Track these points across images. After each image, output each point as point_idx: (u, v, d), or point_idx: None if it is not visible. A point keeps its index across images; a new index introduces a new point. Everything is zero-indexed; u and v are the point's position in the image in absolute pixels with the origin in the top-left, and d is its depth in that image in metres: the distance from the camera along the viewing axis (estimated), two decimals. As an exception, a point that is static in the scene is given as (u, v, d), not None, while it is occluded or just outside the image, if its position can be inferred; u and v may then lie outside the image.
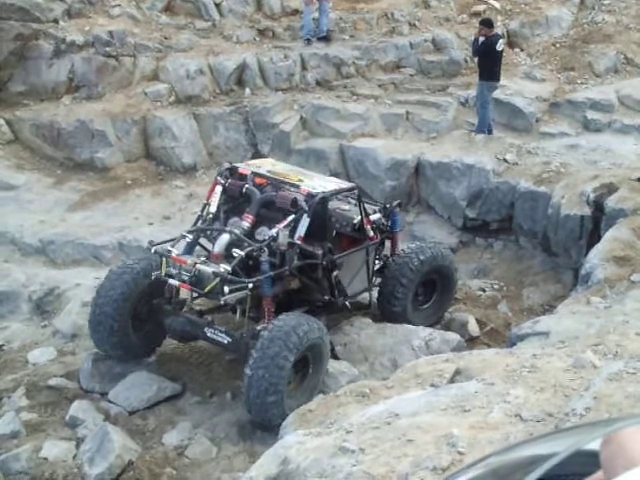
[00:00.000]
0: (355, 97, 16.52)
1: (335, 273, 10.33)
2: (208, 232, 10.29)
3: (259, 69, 16.55)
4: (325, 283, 10.38)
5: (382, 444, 4.96)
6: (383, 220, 11.30)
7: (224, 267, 9.29)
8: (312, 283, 10.29)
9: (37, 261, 12.85)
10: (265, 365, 8.78)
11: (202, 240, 10.36)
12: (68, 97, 15.79)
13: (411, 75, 17.23)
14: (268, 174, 10.52)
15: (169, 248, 9.81)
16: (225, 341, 9.61)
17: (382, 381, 7.75)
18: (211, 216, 10.28)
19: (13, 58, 15.85)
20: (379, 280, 11.33)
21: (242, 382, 9.08)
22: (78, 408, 9.62)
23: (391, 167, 14.75)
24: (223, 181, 10.45)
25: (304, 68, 16.90)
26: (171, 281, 9.64)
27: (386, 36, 17.62)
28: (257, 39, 17.36)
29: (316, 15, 17.38)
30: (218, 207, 10.32)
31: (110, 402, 9.84)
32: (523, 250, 13.84)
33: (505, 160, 14.16)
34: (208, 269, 9.33)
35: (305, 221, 9.79)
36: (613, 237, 10.77)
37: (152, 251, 9.91)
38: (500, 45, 14.74)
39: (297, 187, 10.15)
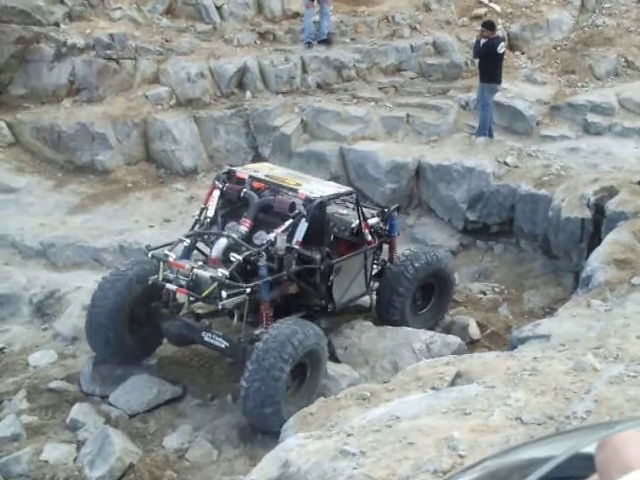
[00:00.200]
0: (356, 100, 16.53)
1: (333, 279, 10.29)
2: (206, 236, 10.25)
3: (260, 72, 16.57)
4: (323, 288, 10.33)
5: (383, 447, 4.96)
6: (381, 224, 11.27)
7: (222, 272, 9.24)
8: (310, 288, 10.25)
9: (38, 264, 12.84)
10: (261, 377, 8.73)
11: (199, 244, 10.32)
12: (69, 100, 15.80)
13: (412, 78, 17.23)
14: (266, 178, 10.48)
15: (166, 252, 9.75)
16: (222, 345, 9.56)
17: (383, 384, 7.74)
18: (209, 220, 10.24)
19: (14, 61, 15.86)
20: (377, 284, 11.30)
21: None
22: (79, 411, 9.61)
23: (391, 170, 14.76)
24: (221, 185, 10.41)
25: (305, 71, 16.91)
26: (168, 286, 9.57)
27: (387, 39, 17.64)
28: (258, 42, 17.37)
29: (317, 18, 17.40)
30: (216, 211, 10.29)
31: (111, 405, 9.83)
32: (524, 253, 13.85)
33: (506, 163, 14.17)
34: (206, 274, 9.29)
35: (303, 226, 9.75)
36: (614, 240, 10.77)
37: (149, 255, 9.85)
38: (501, 47, 14.75)
39: (295, 191, 10.11)
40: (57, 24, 16.20)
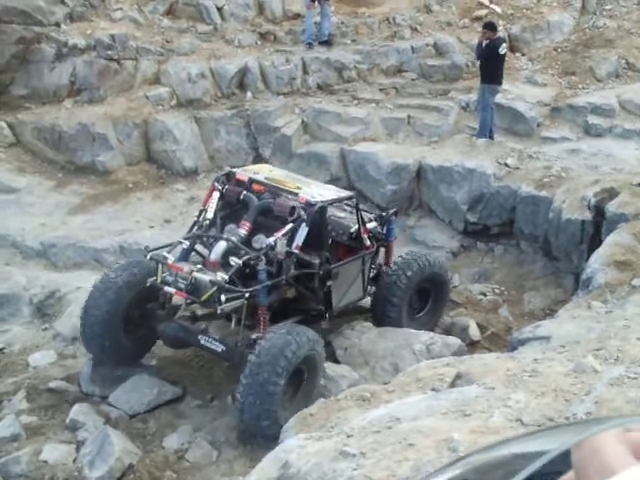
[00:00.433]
0: (356, 101, 16.53)
1: (331, 284, 10.24)
2: (204, 238, 10.19)
3: (260, 73, 16.57)
4: (321, 292, 10.27)
5: (383, 448, 4.96)
6: (379, 229, 11.25)
7: (221, 275, 9.18)
8: (308, 292, 10.20)
9: (38, 264, 12.84)
10: (255, 392, 8.67)
11: (197, 246, 10.26)
12: (70, 100, 15.80)
13: (412, 79, 17.24)
14: (266, 181, 10.42)
15: (165, 255, 9.70)
16: (219, 349, 9.49)
17: (383, 385, 7.74)
18: (208, 222, 10.17)
19: (15, 61, 15.87)
20: (373, 288, 11.27)
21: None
22: (78, 411, 9.61)
23: (392, 171, 14.75)
24: (220, 187, 10.34)
25: (305, 72, 16.92)
26: (167, 288, 9.52)
27: (388, 40, 17.64)
28: (259, 43, 17.38)
29: (318, 19, 17.40)
30: (215, 213, 10.22)
31: (110, 405, 9.83)
32: (524, 254, 13.84)
33: (506, 164, 14.16)
34: (205, 277, 9.22)
35: (303, 230, 9.69)
36: (614, 242, 10.77)
37: (148, 257, 9.78)
38: (503, 48, 14.77)
39: (295, 195, 10.05)
40: (58, 24, 16.21)
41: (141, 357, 10.52)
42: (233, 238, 9.71)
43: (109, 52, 15.93)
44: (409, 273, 11.00)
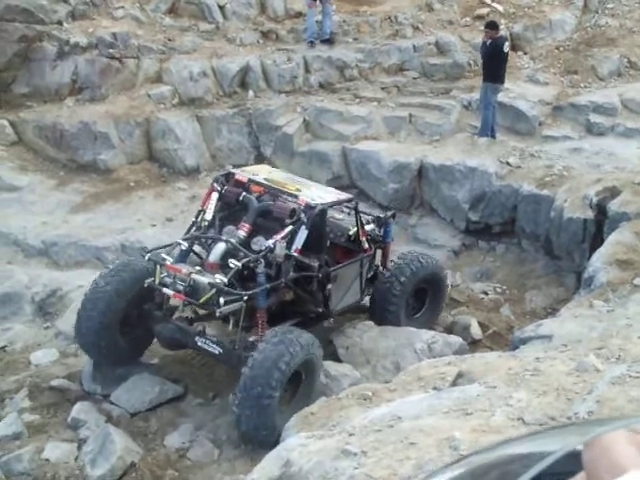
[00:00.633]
0: (358, 100, 16.52)
1: (329, 287, 10.19)
2: (203, 240, 10.13)
3: (262, 71, 16.56)
4: (319, 295, 10.22)
5: (384, 447, 4.96)
6: (377, 231, 11.21)
7: (220, 278, 9.12)
8: (306, 295, 10.14)
9: (40, 262, 12.85)
10: (250, 405, 8.62)
11: (195, 247, 10.19)
12: (71, 99, 15.80)
13: (414, 78, 17.22)
14: (265, 182, 10.34)
15: (164, 256, 9.63)
16: (216, 352, 9.43)
17: (384, 384, 7.74)
18: (206, 223, 10.08)
19: (17, 60, 15.86)
20: (370, 290, 11.21)
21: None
22: (80, 410, 9.62)
23: (394, 170, 14.75)
24: (219, 188, 10.26)
25: (307, 71, 16.91)
26: (165, 290, 9.45)
27: (389, 39, 17.63)
28: (260, 41, 17.37)
29: (319, 18, 17.38)
30: (214, 214, 10.14)
31: (112, 404, 9.84)
32: (526, 253, 13.83)
33: (508, 163, 14.16)
34: (204, 279, 9.17)
35: (303, 233, 9.63)
36: (616, 241, 10.77)
37: (146, 258, 9.72)
38: (506, 47, 14.79)
39: (295, 197, 9.99)
40: (60, 23, 16.20)
41: (137, 357, 10.48)
42: (232, 240, 9.64)
43: (111, 50, 15.92)
44: (402, 279, 10.93)
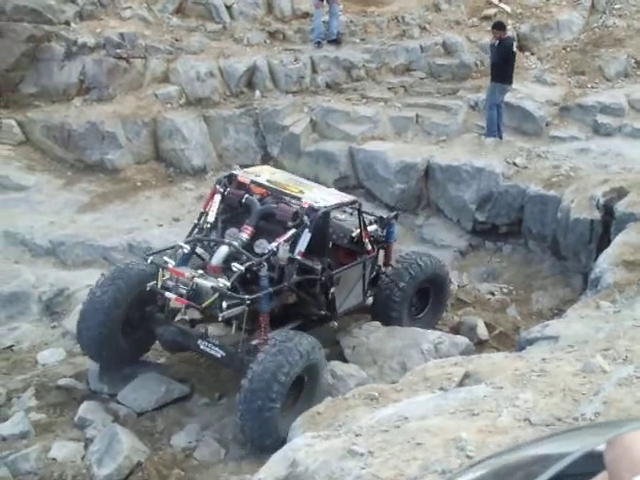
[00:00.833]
0: (365, 100, 16.53)
1: (333, 290, 10.10)
2: (205, 242, 10.03)
3: (269, 71, 16.58)
4: (322, 298, 10.12)
5: (391, 447, 4.96)
6: (379, 231, 11.15)
7: (223, 282, 9.03)
8: (309, 298, 10.04)
9: (47, 262, 12.88)
10: (252, 418, 8.59)
11: (198, 249, 10.09)
12: (79, 99, 15.84)
13: (421, 78, 17.23)
14: (268, 184, 10.23)
15: (166, 259, 9.55)
16: (219, 355, 9.36)
17: (391, 384, 7.74)
18: (209, 226, 9.98)
19: (25, 60, 15.91)
20: (373, 291, 11.15)
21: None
22: (87, 409, 9.63)
23: (401, 170, 14.75)
24: (222, 189, 10.16)
25: (314, 71, 16.92)
26: (168, 294, 9.36)
27: (396, 39, 17.63)
28: (267, 42, 17.39)
29: (326, 18, 17.40)
30: (216, 216, 10.02)
31: (119, 403, 9.84)
32: (532, 254, 13.82)
33: (515, 164, 14.14)
34: (207, 283, 9.08)
35: (306, 236, 9.51)
36: (623, 241, 10.75)
37: (148, 261, 9.65)
38: (514, 47, 14.81)
39: (298, 199, 9.88)
40: (68, 23, 16.25)
41: (139, 357, 10.45)
42: (235, 243, 9.54)
43: (118, 51, 15.96)
44: (401, 285, 10.85)
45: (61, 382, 10.16)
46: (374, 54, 17.22)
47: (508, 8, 18.33)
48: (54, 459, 8.88)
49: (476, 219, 14.26)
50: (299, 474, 5.10)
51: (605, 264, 10.32)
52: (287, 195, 10.03)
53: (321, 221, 9.75)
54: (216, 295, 8.99)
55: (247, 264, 9.26)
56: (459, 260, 14.00)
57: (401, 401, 6.34)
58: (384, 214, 11.89)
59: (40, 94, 15.91)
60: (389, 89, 16.95)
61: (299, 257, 9.51)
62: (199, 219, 10.21)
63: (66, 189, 14.68)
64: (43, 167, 15.10)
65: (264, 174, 10.73)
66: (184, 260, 9.71)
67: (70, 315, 11.56)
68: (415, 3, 18.50)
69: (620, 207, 11.73)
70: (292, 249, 9.49)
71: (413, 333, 10.65)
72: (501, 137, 15.11)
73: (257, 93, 16.38)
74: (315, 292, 10.02)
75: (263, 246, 9.60)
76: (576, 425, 4.69)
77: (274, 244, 9.44)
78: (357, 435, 5.35)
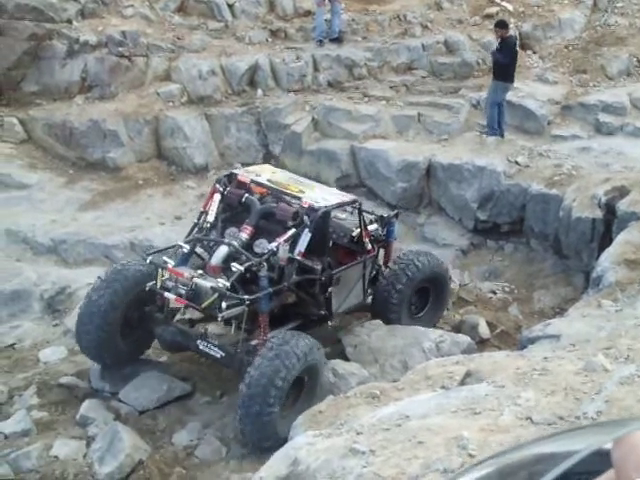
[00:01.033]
0: (367, 98, 16.53)
1: (332, 289, 10.07)
2: (205, 242, 10.00)
3: (271, 70, 16.58)
4: (321, 298, 10.08)
5: (392, 446, 4.96)
6: (380, 231, 11.11)
7: (222, 282, 9.00)
8: (308, 297, 10.00)
9: (49, 260, 12.88)
10: (251, 422, 8.58)
11: (197, 248, 10.06)
12: (81, 97, 15.84)
13: (423, 77, 17.23)
14: (268, 184, 10.19)
15: (165, 259, 9.51)
16: (218, 355, 9.34)
17: (392, 383, 7.73)
18: (208, 225, 9.94)
19: (27, 58, 15.91)
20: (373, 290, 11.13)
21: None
22: (88, 407, 9.64)
23: (402, 169, 14.75)
24: (221, 189, 10.13)
25: (316, 69, 16.92)
26: (167, 294, 9.33)
27: (398, 38, 17.63)
28: (269, 40, 17.39)
29: (328, 16, 17.41)
30: (216, 216, 9.98)
31: (120, 401, 9.85)
32: (534, 253, 13.82)
33: (516, 162, 14.14)
34: (206, 284, 9.04)
35: (306, 236, 9.47)
36: (625, 240, 10.75)
37: (147, 261, 9.61)
38: (516, 45, 14.81)
39: (298, 199, 9.84)
40: (70, 21, 16.25)
41: (139, 356, 10.45)
42: (234, 242, 9.50)
43: (120, 49, 15.96)
44: (399, 287, 10.80)
45: (63, 380, 10.18)
46: (376, 53, 17.21)
47: (510, 6, 18.32)
48: (56, 457, 8.89)
49: (478, 218, 14.26)
50: (300, 472, 5.10)
51: (607, 263, 10.32)
52: (287, 195, 9.99)
53: (321, 221, 9.71)
54: (215, 295, 8.95)
55: (247, 264, 9.22)
56: (461, 259, 14.00)
57: (402, 400, 6.34)
58: (385, 213, 11.86)
59: (42, 92, 15.92)
60: (391, 88, 16.95)
61: (299, 257, 9.48)
62: (199, 218, 10.18)
63: (68, 187, 14.68)
64: (45, 165, 15.10)
65: (264, 173, 10.68)
66: (183, 260, 9.67)
67: (72, 313, 11.56)
68: (417, 1, 18.50)
69: (622, 206, 11.73)
70: (292, 249, 9.45)
71: (414, 332, 10.65)
72: (503, 136, 15.11)
73: (259, 92, 16.39)
74: (315, 292, 9.98)
75: (263, 246, 9.56)
76: (579, 424, 4.69)
77: (274, 244, 9.41)
78: (358, 433, 5.35)
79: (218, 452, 9.18)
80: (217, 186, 10.20)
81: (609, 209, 11.98)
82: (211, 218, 9.99)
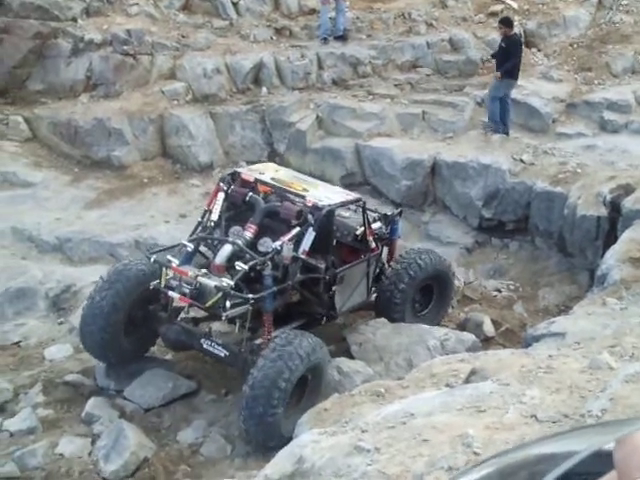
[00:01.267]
0: (371, 96, 16.52)
1: (336, 288, 10.06)
2: (209, 240, 9.99)
3: (276, 68, 16.58)
4: (326, 296, 10.07)
5: (397, 444, 4.96)
6: (384, 229, 11.09)
7: (226, 281, 8.99)
8: (312, 296, 9.99)
9: (54, 258, 12.90)
10: (255, 423, 8.59)
11: (201, 247, 10.05)
12: (86, 95, 15.86)
13: (427, 75, 17.21)
14: (272, 182, 10.16)
15: (169, 258, 9.49)
16: (222, 354, 9.33)
17: (397, 381, 7.75)
18: (212, 224, 9.92)
19: (32, 56, 15.94)
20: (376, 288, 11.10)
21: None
22: (94, 405, 9.66)
23: (407, 167, 14.74)
24: (225, 187, 10.11)
25: (321, 67, 16.92)
26: (171, 293, 9.33)
27: (403, 35, 17.61)
28: (274, 38, 17.38)
29: (333, 14, 17.40)
30: (220, 215, 9.96)
31: (126, 399, 9.87)
32: (539, 251, 13.81)
33: (521, 160, 14.13)
34: (210, 283, 9.03)
35: (311, 235, 9.46)
36: (629, 238, 10.74)
37: (151, 260, 9.60)
38: (521, 44, 14.82)
39: (303, 198, 9.81)
40: (75, 20, 16.28)
41: (142, 355, 10.45)
42: (239, 241, 9.49)
43: (125, 47, 15.98)
44: (401, 286, 10.78)
45: (68, 378, 10.20)
46: (380, 50, 17.20)
47: (515, 4, 18.30)
48: (61, 455, 8.91)
49: (482, 216, 14.25)
50: (305, 470, 5.11)
51: (612, 261, 10.31)
52: (291, 193, 9.97)
53: (325, 220, 9.70)
54: (220, 294, 8.94)
55: (251, 263, 9.21)
56: (465, 257, 14.00)
57: (407, 397, 6.34)
58: (390, 211, 11.86)
59: (47, 91, 15.94)
60: (395, 85, 16.94)
61: (303, 256, 9.47)
62: (203, 217, 10.17)
63: (73, 185, 14.70)
64: (50, 164, 15.12)
65: (268, 172, 10.65)
66: (187, 259, 9.64)
67: (77, 311, 11.56)
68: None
69: (627, 204, 11.72)
70: (296, 248, 9.44)
71: (419, 330, 10.65)
72: (507, 133, 15.09)
73: (263, 90, 16.38)
74: (319, 291, 9.97)
75: (267, 245, 9.55)
76: (582, 424, 4.69)
77: (278, 243, 9.39)
78: (363, 431, 5.36)
79: (223, 450, 9.20)
80: (221, 185, 10.19)
81: (614, 207, 11.97)
82: (215, 217, 9.98)
